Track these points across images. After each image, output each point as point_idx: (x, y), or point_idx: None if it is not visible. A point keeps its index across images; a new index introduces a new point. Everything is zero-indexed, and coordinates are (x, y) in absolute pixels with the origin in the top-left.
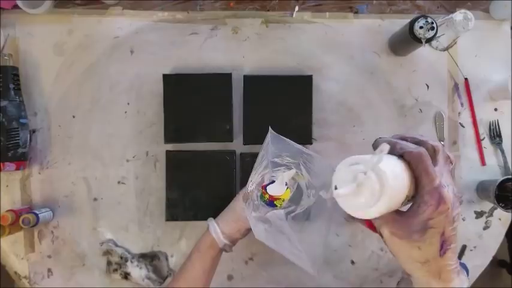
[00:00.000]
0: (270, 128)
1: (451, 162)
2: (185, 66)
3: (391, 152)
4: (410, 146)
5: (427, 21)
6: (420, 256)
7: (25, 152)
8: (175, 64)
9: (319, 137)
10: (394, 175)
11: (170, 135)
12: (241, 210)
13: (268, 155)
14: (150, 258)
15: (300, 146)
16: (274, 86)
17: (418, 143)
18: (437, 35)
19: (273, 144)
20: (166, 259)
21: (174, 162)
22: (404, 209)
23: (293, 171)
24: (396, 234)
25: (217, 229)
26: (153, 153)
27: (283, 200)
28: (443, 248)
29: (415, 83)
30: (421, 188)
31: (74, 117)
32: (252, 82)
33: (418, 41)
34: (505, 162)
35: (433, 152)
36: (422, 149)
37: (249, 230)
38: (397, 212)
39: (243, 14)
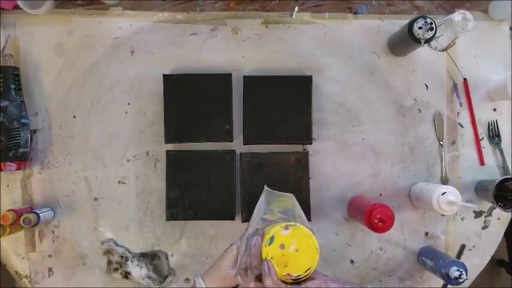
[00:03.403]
0: (265, 186)
1: None
2: (185, 66)
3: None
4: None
5: (426, 22)
6: None
7: (26, 151)
8: (175, 64)
9: (318, 137)
10: None
11: (170, 135)
12: (228, 269)
13: (260, 212)
14: (150, 258)
15: (292, 202)
16: (274, 86)
17: None
18: (436, 36)
19: (266, 200)
20: (167, 258)
21: (174, 162)
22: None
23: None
24: None
25: (203, 286)
26: (153, 153)
27: None
28: None
29: (414, 83)
30: None
31: (74, 117)
32: (252, 82)
33: (417, 41)
34: (504, 162)
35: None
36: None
37: None
38: None
39: (243, 15)
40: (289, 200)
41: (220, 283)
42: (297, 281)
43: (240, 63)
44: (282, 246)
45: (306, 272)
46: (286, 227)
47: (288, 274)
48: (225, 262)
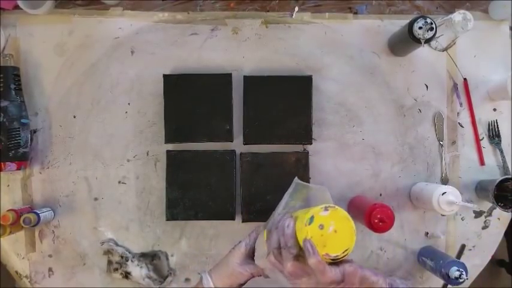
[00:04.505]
0: (296, 178)
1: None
2: (185, 66)
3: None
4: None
5: (426, 22)
6: None
7: (26, 151)
8: (175, 64)
9: (319, 137)
10: None
11: (170, 135)
12: (235, 265)
13: (280, 206)
14: (150, 258)
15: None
16: (274, 86)
17: None
18: (437, 36)
19: (291, 194)
20: (167, 258)
21: (174, 162)
22: None
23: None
24: None
25: (210, 283)
26: (153, 153)
27: None
28: None
29: (414, 83)
30: None
31: (74, 117)
32: (252, 82)
33: (417, 41)
34: (504, 162)
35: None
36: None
37: (242, 284)
38: None
39: (243, 15)
40: (319, 193)
41: (228, 280)
42: (335, 262)
43: (240, 63)
44: (321, 227)
45: (343, 252)
46: (326, 208)
47: (327, 254)
48: (233, 259)
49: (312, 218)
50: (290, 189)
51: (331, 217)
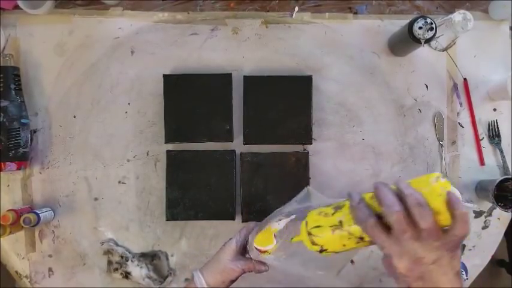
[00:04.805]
0: (309, 187)
1: (422, 229)
2: (185, 66)
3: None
4: (362, 216)
5: (426, 22)
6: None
7: (26, 152)
8: (175, 64)
9: (319, 137)
10: None
11: (170, 135)
12: (227, 262)
13: (289, 207)
14: (150, 258)
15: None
16: (274, 86)
17: (381, 206)
18: (437, 36)
19: (303, 199)
20: (167, 258)
21: (174, 162)
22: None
23: (287, 220)
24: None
25: (202, 280)
26: (153, 153)
27: (269, 253)
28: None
29: (414, 83)
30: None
31: (74, 117)
32: (252, 82)
33: (417, 41)
34: (504, 162)
35: (389, 219)
36: (371, 221)
37: (233, 281)
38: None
39: (243, 15)
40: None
41: (220, 276)
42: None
43: (240, 63)
44: None
45: None
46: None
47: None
48: (224, 256)
49: (436, 178)
50: (300, 195)
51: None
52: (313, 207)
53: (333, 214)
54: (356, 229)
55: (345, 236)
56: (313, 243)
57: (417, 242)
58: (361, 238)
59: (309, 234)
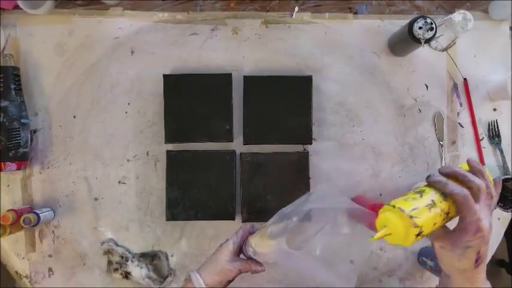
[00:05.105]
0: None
1: (492, 197)
2: (185, 66)
3: (441, 189)
4: (457, 188)
5: (426, 22)
6: (460, 265)
7: (26, 152)
8: (175, 64)
9: (319, 137)
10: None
11: (170, 135)
12: (224, 263)
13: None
14: (150, 258)
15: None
16: (274, 86)
17: (466, 182)
18: (437, 36)
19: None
20: (167, 258)
21: (174, 162)
22: (450, 225)
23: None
24: (444, 247)
25: (200, 280)
26: (153, 153)
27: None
28: (477, 262)
29: (414, 83)
30: (463, 218)
31: (74, 117)
32: (252, 82)
33: (417, 41)
34: (504, 162)
35: (477, 190)
36: (466, 192)
37: (230, 281)
38: (446, 229)
39: (243, 15)
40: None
41: (218, 277)
42: None
43: (240, 63)
44: None
45: None
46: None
47: None
48: (222, 256)
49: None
50: (302, 198)
51: None
52: (316, 209)
53: (421, 197)
54: (446, 205)
55: (438, 214)
56: (416, 225)
57: (490, 208)
58: (447, 214)
59: (411, 217)
